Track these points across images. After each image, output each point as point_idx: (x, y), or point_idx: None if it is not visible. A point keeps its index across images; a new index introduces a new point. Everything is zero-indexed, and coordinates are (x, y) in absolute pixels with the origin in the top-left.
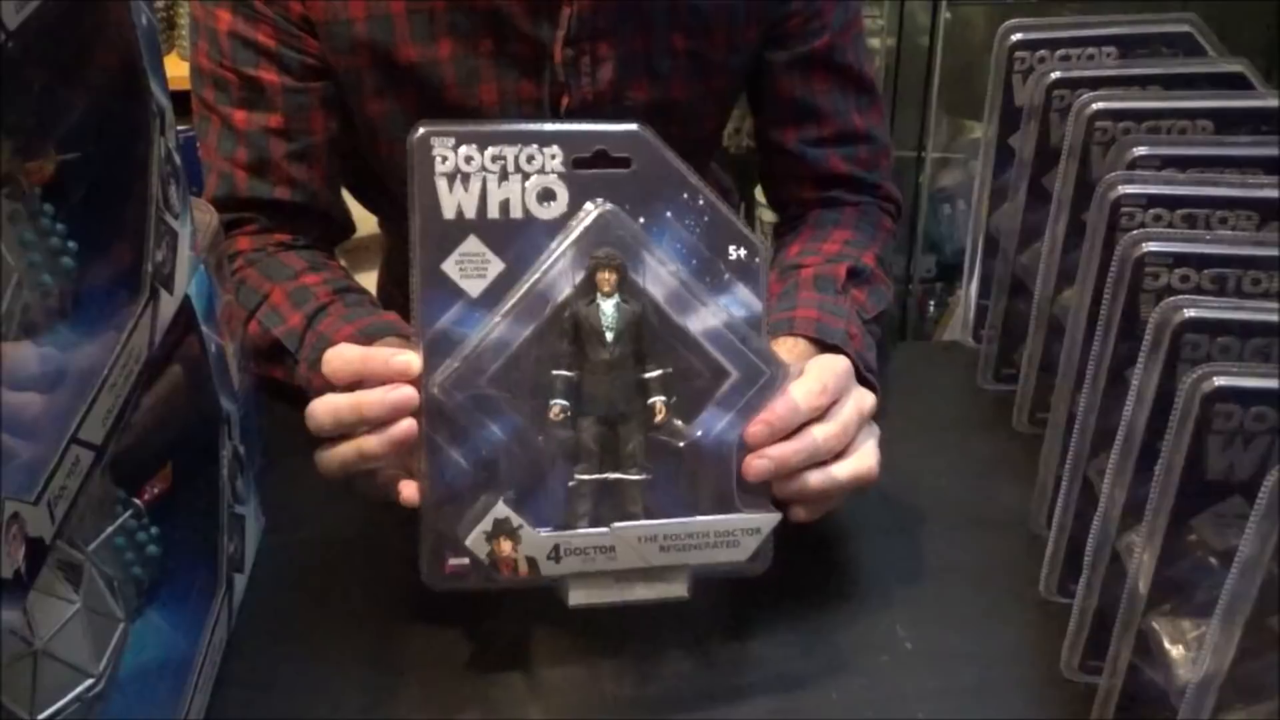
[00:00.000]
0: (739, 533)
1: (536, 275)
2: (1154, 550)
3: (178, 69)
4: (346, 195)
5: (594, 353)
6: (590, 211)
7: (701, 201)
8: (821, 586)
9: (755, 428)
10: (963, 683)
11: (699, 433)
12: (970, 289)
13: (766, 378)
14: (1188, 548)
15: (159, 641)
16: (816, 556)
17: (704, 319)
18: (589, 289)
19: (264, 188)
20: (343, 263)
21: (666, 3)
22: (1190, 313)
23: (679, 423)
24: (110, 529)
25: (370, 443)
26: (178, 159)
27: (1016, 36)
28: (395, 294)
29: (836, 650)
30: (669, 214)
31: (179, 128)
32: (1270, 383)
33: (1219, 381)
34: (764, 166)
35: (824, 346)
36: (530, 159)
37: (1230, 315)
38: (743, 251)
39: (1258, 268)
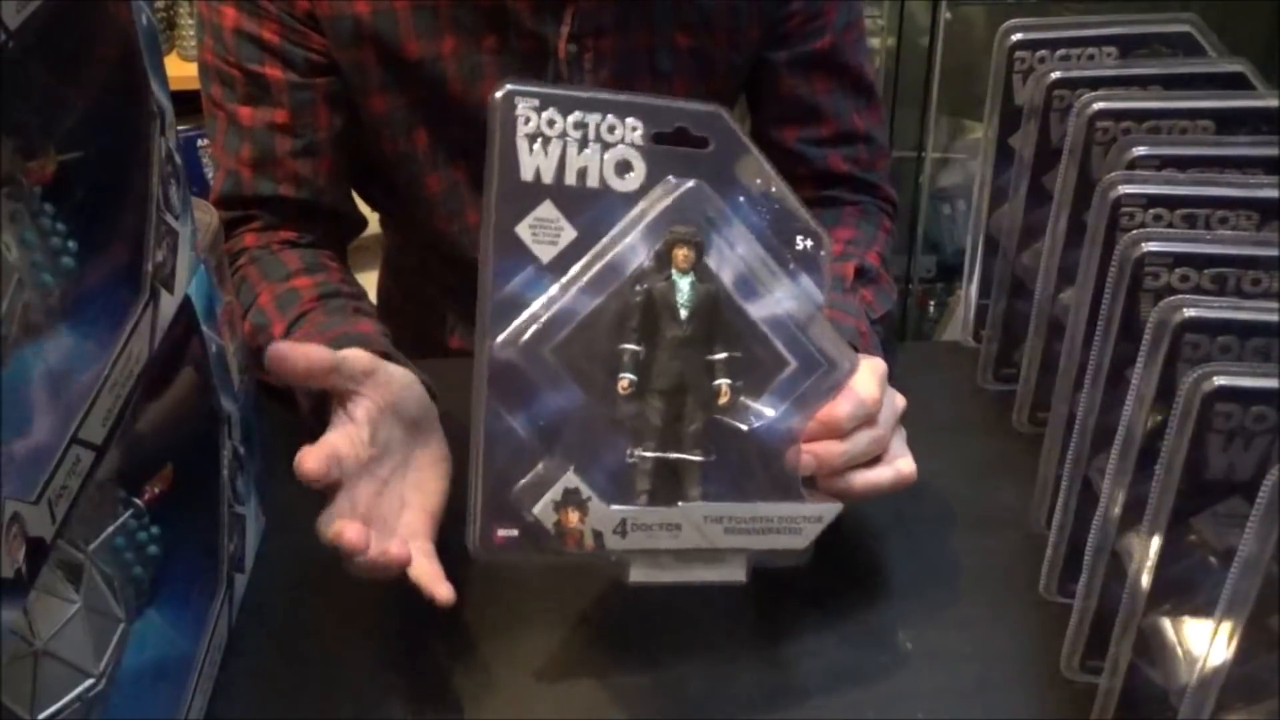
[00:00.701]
0: (801, 520)
1: (611, 245)
2: (1154, 550)
3: (178, 69)
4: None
5: (666, 329)
6: (677, 185)
7: (774, 190)
8: (821, 586)
9: (812, 424)
10: (963, 683)
11: (757, 419)
12: (970, 289)
13: (822, 371)
14: (1188, 547)
15: (159, 641)
16: (816, 556)
17: (768, 307)
18: (664, 264)
19: (268, 184)
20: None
21: (670, 1)
22: (1190, 313)
23: (750, 401)
24: (110, 529)
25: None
26: (178, 159)
27: (1016, 36)
28: (395, 293)
29: (836, 650)
30: (742, 199)
31: (179, 127)
32: (1270, 383)
33: (1219, 381)
34: None
35: None
36: (611, 129)
37: (1230, 315)
38: (809, 243)
39: (1258, 268)
